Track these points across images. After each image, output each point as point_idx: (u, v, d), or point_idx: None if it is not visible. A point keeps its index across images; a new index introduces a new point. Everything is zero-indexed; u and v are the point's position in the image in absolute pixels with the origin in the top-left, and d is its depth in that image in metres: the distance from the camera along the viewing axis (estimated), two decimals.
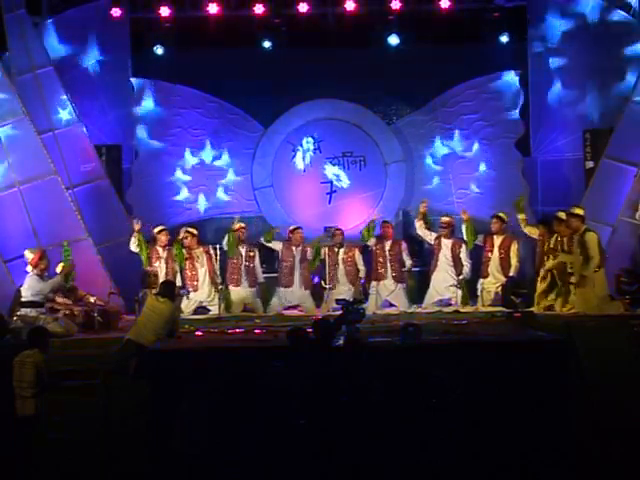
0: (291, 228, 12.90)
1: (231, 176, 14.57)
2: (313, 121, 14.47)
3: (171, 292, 9.81)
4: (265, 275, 12.97)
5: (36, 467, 8.38)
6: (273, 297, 12.72)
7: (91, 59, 14.15)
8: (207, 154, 14.50)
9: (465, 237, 12.48)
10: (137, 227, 12.31)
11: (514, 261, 12.19)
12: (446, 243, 12.47)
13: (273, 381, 7.46)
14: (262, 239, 12.83)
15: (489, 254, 12.34)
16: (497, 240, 12.33)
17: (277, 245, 12.83)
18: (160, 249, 12.39)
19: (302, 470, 7.18)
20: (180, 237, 12.43)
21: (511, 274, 12.11)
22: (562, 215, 11.50)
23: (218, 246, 12.69)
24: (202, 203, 14.46)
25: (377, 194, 14.45)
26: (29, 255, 10.80)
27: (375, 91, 14.46)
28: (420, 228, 12.80)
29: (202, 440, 7.40)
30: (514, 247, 12.25)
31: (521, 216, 12.21)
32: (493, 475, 7.85)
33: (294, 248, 12.66)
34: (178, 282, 12.06)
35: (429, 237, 12.75)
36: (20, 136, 12.20)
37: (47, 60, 13.06)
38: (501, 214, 12.50)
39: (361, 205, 14.38)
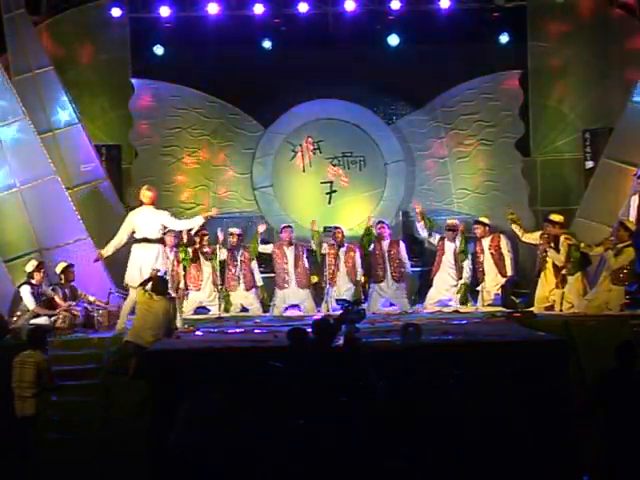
0: (280, 227, 12.88)
1: (231, 176, 14.58)
2: (313, 121, 14.46)
3: (165, 289, 9.81)
4: (264, 276, 12.93)
5: (36, 467, 8.39)
6: (273, 300, 12.65)
7: (91, 59, 14.16)
8: (207, 154, 14.50)
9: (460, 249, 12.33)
10: None
11: (507, 258, 12.18)
12: (449, 246, 12.38)
13: (273, 381, 7.45)
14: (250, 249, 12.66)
15: (481, 258, 12.30)
16: (485, 242, 12.30)
17: (268, 249, 12.75)
18: (167, 250, 12.31)
19: (301, 470, 7.17)
20: (185, 241, 12.36)
21: (509, 273, 12.10)
22: (554, 217, 11.57)
23: (217, 247, 12.67)
24: (202, 203, 14.45)
25: (377, 194, 14.44)
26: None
27: (375, 91, 14.46)
28: (422, 230, 12.72)
29: (201, 440, 7.39)
30: (503, 244, 12.23)
31: (516, 227, 12.06)
32: (492, 475, 7.84)
33: (285, 248, 12.60)
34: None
35: (432, 239, 12.66)
36: (20, 137, 12.18)
37: (47, 60, 13.05)
38: (481, 219, 12.47)
39: (361, 205, 14.39)
